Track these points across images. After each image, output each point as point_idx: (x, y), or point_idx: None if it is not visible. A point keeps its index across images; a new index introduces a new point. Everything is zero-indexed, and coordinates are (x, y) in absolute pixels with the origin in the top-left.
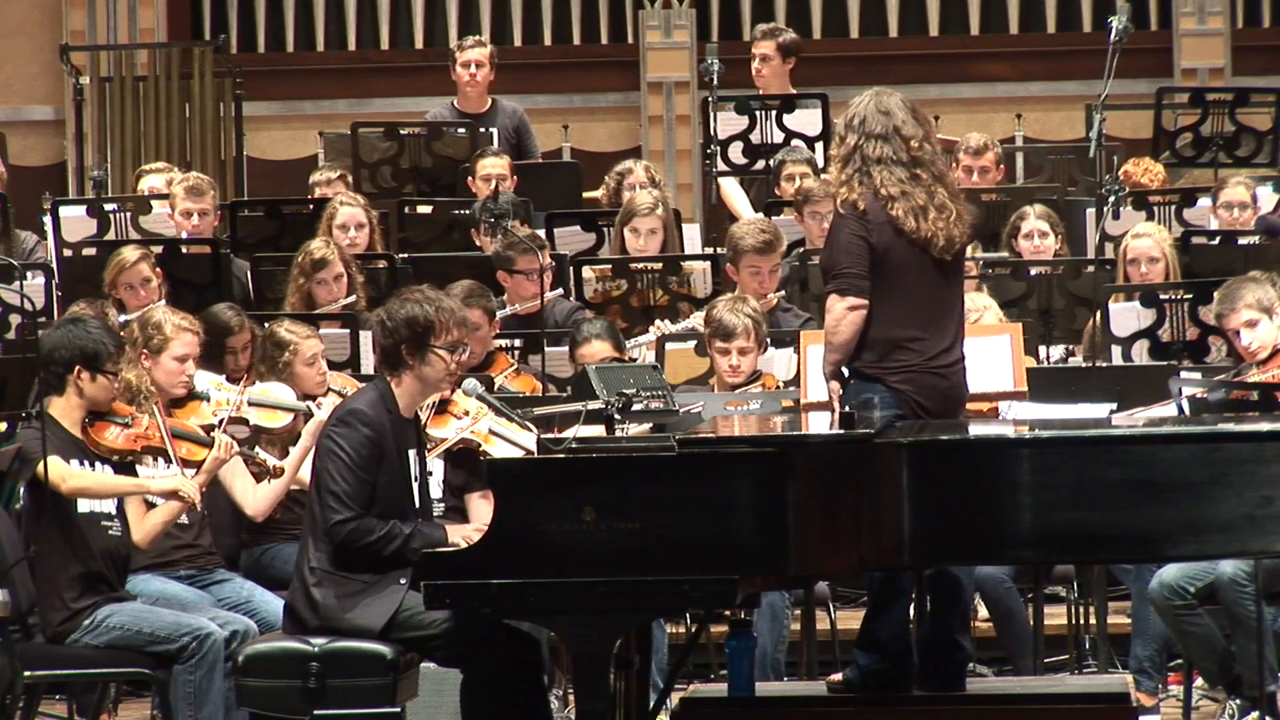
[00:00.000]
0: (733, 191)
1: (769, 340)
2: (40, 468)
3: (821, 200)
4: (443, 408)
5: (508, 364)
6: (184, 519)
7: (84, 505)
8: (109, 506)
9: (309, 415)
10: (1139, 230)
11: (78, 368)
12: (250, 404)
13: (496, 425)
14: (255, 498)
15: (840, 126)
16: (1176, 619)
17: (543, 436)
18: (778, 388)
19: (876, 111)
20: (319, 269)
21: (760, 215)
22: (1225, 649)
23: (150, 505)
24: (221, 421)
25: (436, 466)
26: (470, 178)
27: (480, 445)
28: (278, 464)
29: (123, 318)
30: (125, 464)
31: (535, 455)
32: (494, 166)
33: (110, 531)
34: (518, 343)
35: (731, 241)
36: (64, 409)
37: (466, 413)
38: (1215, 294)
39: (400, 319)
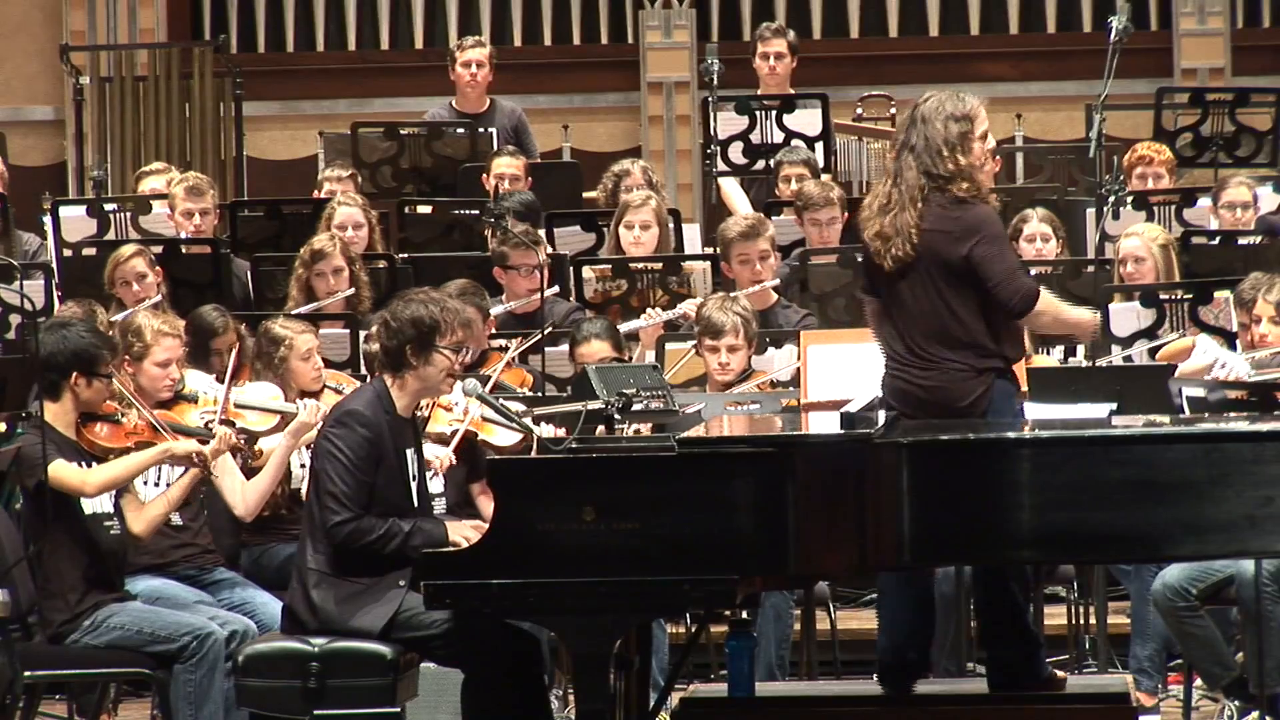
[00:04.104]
0: (733, 191)
1: (768, 339)
2: (47, 474)
3: (821, 207)
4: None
5: (500, 359)
6: (179, 519)
7: (88, 507)
8: (108, 505)
9: (295, 417)
10: (1130, 230)
11: (74, 373)
12: (237, 406)
13: (484, 410)
14: (244, 497)
15: None
16: (1179, 621)
17: (543, 436)
18: (772, 385)
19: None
20: (318, 260)
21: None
22: (1227, 651)
23: (141, 502)
24: (208, 424)
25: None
26: (485, 175)
27: (476, 435)
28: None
29: (116, 316)
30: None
31: (535, 455)
32: (504, 166)
33: (111, 531)
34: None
35: (720, 237)
36: (57, 413)
37: (455, 403)
38: (1247, 279)
39: (405, 319)
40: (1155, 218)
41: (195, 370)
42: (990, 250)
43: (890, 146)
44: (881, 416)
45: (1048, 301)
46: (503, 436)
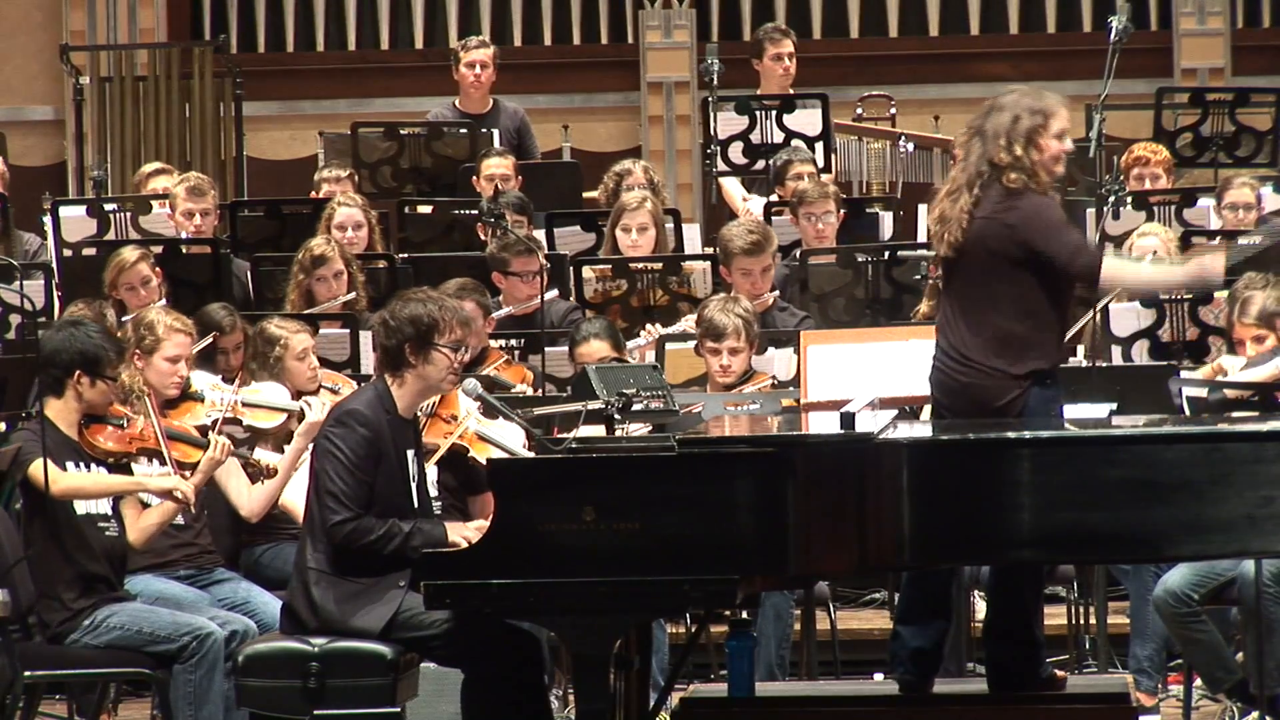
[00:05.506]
0: (735, 191)
1: (767, 340)
2: (32, 469)
3: (816, 201)
4: (432, 414)
5: (500, 356)
6: (180, 519)
7: (81, 507)
8: (105, 507)
9: (302, 415)
10: (1144, 229)
11: (78, 372)
12: (244, 404)
13: (482, 428)
14: (250, 498)
15: None
16: (1182, 626)
17: (542, 437)
18: (773, 386)
19: None
20: (318, 265)
21: (752, 215)
22: (1230, 655)
23: (145, 505)
24: (215, 423)
25: (430, 468)
26: (475, 177)
27: (468, 451)
28: (271, 464)
29: (125, 318)
30: (120, 465)
31: (533, 455)
32: (497, 166)
33: (107, 532)
34: (513, 343)
35: (721, 244)
36: (60, 411)
37: (454, 416)
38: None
39: (404, 317)
40: (1155, 218)
41: (200, 370)
42: (1049, 235)
43: (967, 133)
44: (889, 415)
45: (1116, 270)
46: (496, 456)
